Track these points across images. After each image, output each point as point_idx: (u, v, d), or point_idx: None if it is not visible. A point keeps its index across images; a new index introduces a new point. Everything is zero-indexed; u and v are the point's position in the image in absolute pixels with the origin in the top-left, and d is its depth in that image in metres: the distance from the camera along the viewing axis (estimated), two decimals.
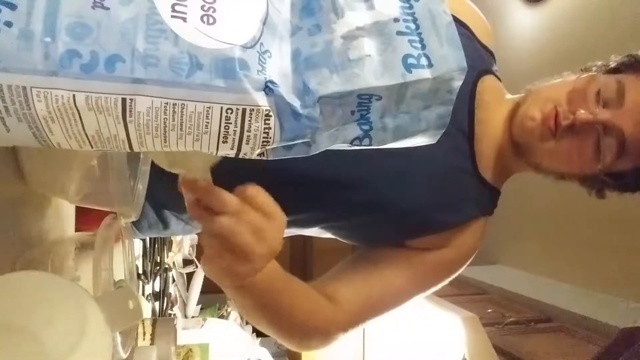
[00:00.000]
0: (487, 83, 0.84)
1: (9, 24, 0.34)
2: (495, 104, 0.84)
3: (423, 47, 0.42)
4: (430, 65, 0.42)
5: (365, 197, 0.78)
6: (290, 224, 0.67)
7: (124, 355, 0.50)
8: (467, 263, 0.87)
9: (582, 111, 0.74)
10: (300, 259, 3.45)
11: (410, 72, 0.41)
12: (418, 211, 0.79)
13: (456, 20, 0.80)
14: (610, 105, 0.74)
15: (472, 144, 0.82)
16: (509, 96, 0.87)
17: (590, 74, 0.79)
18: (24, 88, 0.35)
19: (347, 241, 0.88)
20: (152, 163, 0.61)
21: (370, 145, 0.44)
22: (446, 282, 0.86)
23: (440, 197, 0.80)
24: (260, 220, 0.52)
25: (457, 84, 0.43)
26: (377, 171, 0.77)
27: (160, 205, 0.85)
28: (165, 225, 0.88)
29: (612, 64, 0.80)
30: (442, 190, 0.80)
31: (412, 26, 0.43)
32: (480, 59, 0.85)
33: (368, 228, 0.82)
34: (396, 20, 0.43)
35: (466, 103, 0.81)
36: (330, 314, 0.76)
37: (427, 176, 0.79)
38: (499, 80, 0.88)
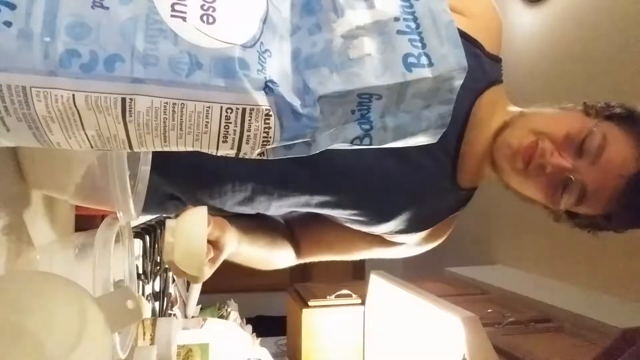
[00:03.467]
0: (485, 100, 0.85)
1: (8, 24, 0.34)
2: (489, 118, 0.85)
3: (423, 46, 0.42)
4: (430, 64, 0.42)
5: (349, 204, 0.87)
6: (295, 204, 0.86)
7: (123, 356, 0.50)
8: (429, 247, 0.97)
9: (558, 157, 0.77)
10: None
11: (411, 71, 0.41)
12: (394, 219, 0.88)
13: (464, 36, 0.82)
14: (588, 157, 0.76)
15: (455, 163, 0.86)
16: (508, 108, 0.89)
17: (585, 120, 0.80)
18: (24, 88, 0.34)
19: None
20: (152, 163, 0.61)
21: (370, 144, 0.44)
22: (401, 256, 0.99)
23: (417, 210, 0.87)
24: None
25: (458, 83, 0.43)
26: (363, 186, 0.84)
27: (166, 198, 0.89)
28: (166, 210, 0.94)
29: (610, 111, 0.81)
30: (420, 205, 0.87)
31: (413, 25, 0.43)
32: (485, 74, 0.86)
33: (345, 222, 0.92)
34: (396, 19, 0.43)
35: (457, 127, 0.84)
36: (293, 259, 0.98)
37: (407, 194, 0.86)
38: (501, 82, 0.89)
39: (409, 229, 0.89)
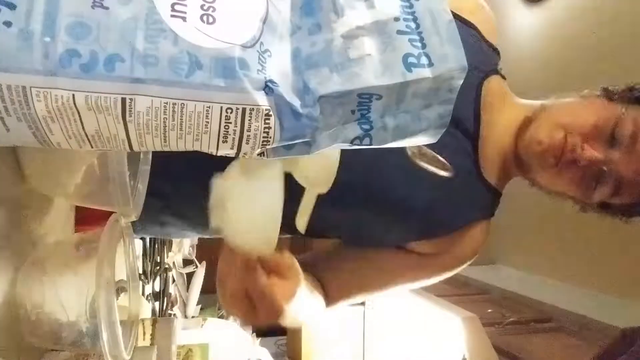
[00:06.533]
0: (492, 84, 0.83)
1: (8, 24, 0.34)
2: (500, 105, 0.83)
3: (423, 46, 0.42)
4: (430, 64, 0.42)
5: (369, 195, 0.78)
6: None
7: (128, 357, 0.50)
8: (465, 266, 0.88)
9: (590, 149, 0.74)
10: None
11: (411, 71, 0.41)
12: (422, 211, 0.79)
13: (464, 21, 0.80)
14: (621, 146, 0.73)
15: (476, 146, 0.82)
16: (517, 100, 0.86)
17: (611, 106, 0.77)
18: (24, 88, 0.34)
19: (349, 244, 0.88)
20: (152, 163, 0.61)
21: (370, 144, 0.44)
22: (439, 280, 0.90)
23: (444, 198, 0.81)
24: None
25: (458, 82, 0.43)
26: (382, 169, 0.77)
27: (161, 207, 0.84)
28: (163, 226, 0.88)
29: (635, 94, 0.78)
30: (446, 191, 0.80)
31: (413, 25, 0.43)
32: (486, 59, 0.85)
33: (371, 228, 0.83)
34: (396, 19, 0.43)
35: (472, 104, 0.80)
36: (323, 308, 0.85)
37: (431, 176, 0.78)
38: (504, 77, 0.87)
39: (435, 225, 0.81)
